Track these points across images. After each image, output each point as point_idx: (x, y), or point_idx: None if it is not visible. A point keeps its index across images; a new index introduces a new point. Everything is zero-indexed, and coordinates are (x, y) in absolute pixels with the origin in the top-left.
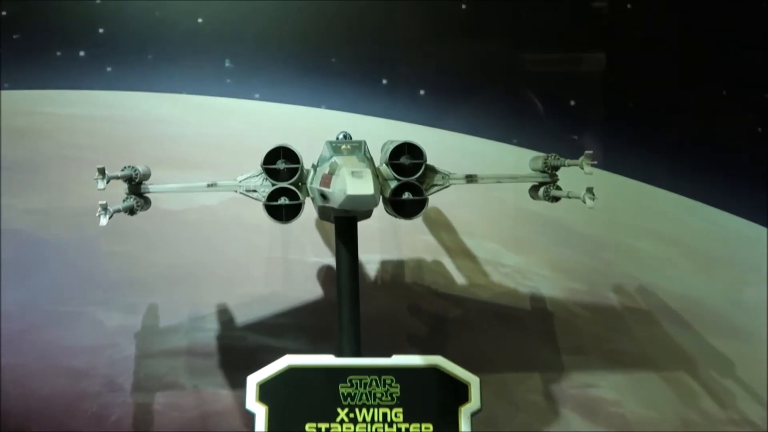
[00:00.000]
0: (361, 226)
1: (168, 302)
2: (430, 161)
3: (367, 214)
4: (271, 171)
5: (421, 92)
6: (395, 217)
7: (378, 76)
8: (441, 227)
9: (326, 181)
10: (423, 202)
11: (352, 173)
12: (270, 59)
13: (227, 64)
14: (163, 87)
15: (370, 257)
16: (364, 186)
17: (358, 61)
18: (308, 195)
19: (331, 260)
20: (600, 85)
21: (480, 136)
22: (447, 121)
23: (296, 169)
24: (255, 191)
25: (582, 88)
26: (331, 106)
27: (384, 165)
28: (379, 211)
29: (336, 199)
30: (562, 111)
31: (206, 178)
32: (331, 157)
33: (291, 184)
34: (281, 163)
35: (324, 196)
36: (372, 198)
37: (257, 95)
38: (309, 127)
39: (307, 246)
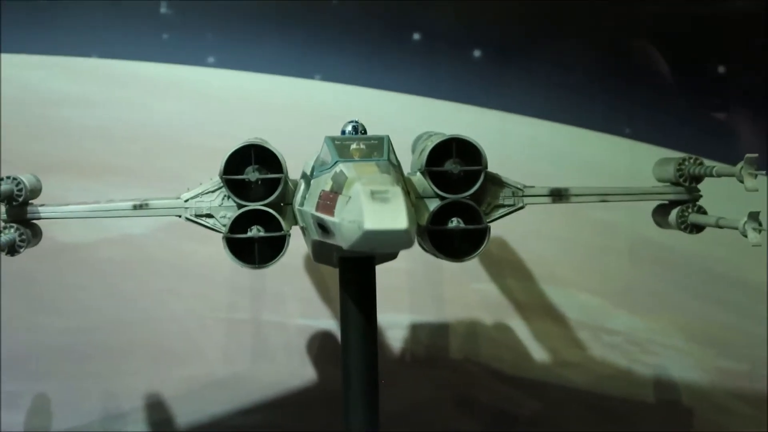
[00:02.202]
0: (381, 270)
1: (68, 391)
2: (492, 166)
3: (390, 255)
4: (237, 184)
5: (476, 53)
6: (436, 256)
7: (406, 28)
8: (508, 270)
9: (328, 204)
10: (481, 234)
11: (372, 194)
12: (231, 3)
13: (163, 10)
14: (56, 46)
15: (395, 319)
16: (393, 216)
17: (374, 4)
18: (296, 223)
19: (331, 324)
20: None
21: (566, 123)
22: (513, 98)
23: (276, 182)
24: (210, 216)
25: (741, 46)
26: (330, 77)
27: (418, 173)
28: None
29: (345, 236)
30: (707, 82)
31: (131, 193)
32: (335, 163)
33: (268, 205)
34: (252, 171)
35: (324, 228)
36: (405, 235)
37: (212, 59)
38: (296, 109)
39: (291, 301)
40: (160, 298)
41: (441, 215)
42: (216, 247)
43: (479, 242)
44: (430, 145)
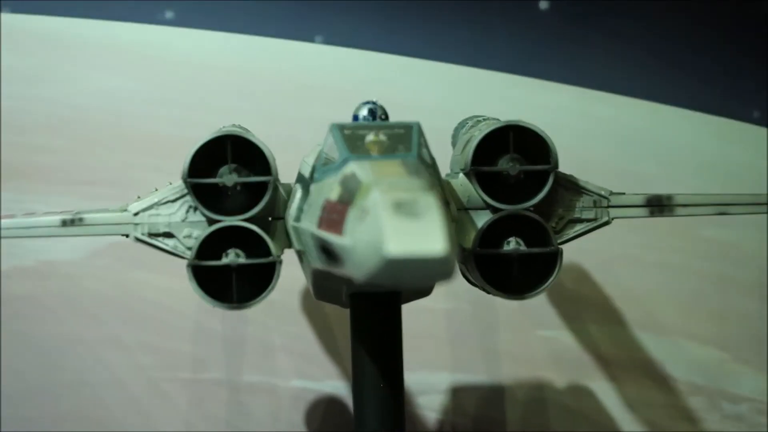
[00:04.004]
0: (409, 312)
1: None
2: (565, 165)
3: (422, 291)
4: (207, 191)
5: (543, 3)
6: (486, 291)
7: None
8: (588, 311)
9: (334, 218)
10: (550, 261)
11: (396, 206)
12: None
13: None
14: None
15: (429, 380)
16: (426, 237)
17: None
18: (289, 246)
19: (339, 387)
20: None
21: (671, 103)
22: (595, 70)
23: (261, 188)
24: (169, 235)
25: None
26: (335, 39)
27: (461, 175)
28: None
29: (359, 264)
30: None
31: (54, 203)
32: (345, 161)
33: (250, 219)
34: (228, 173)
35: (329, 253)
36: (443, 263)
37: (170, 14)
38: (289, 85)
39: (282, 355)
40: (95, 351)
41: (493, 234)
42: (178, 279)
43: (547, 272)
44: (478, 135)
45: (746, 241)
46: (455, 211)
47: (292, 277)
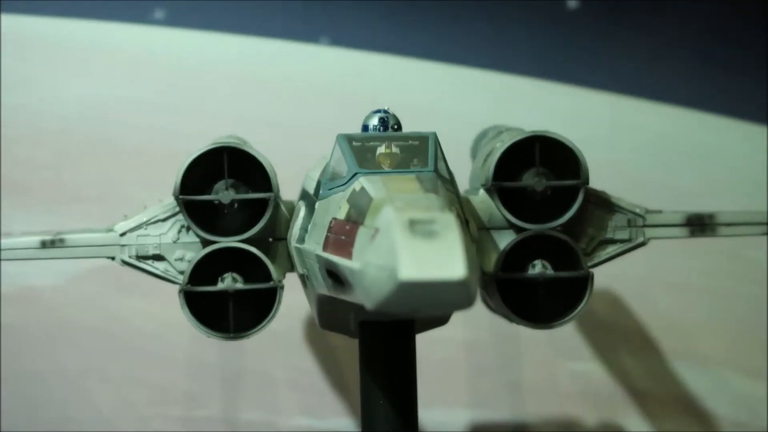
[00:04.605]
0: (424, 342)
1: None
2: (597, 180)
3: (439, 320)
4: (201, 209)
5: (571, 4)
6: (509, 319)
7: None
8: (622, 341)
9: (342, 240)
10: (580, 286)
11: (411, 225)
12: None
13: None
14: None
15: (446, 418)
16: (443, 259)
17: None
18: (292, 269)
19: (347, 425)
20: None
21: (714, 111)
22: (629, 73)
23: (261, 206)
24: (159, 258)
25: None
26: (343, 40)
27: (482, 191)
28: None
29: (370, 290)
30: None
31: (33, 222)
32: (354, 176)
33: (249, 241)
34: (224, 189)
35: (336, 278)
36: (462, 288)
37: (159, 14)
38: (292, 90)
39: (285, 390)
40: (79, 384)
41: (517, 256)
42: (169, 306)
43: (577, 298)
44: (501, 147)
45: None
46: (475, 231)
47: (295, 303)
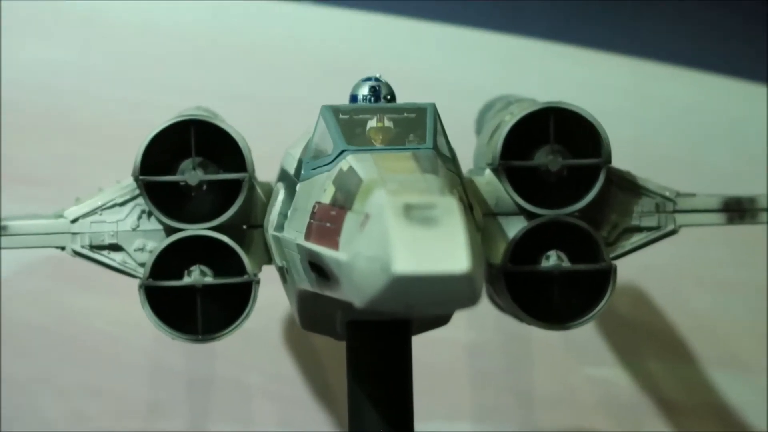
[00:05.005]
0: (421, 344)
1: None
2: (620, 158)
3: (438, 319)
4: (164, 192)
5: None
6: (519, 318)
7: None
8: (649, 344)
9: (327, 227)
10: (601, 280)
11: (407, 210)
12: None
13: None
14: None
15: (446, 430)
16: (444, 250)
17: None
18: (269, 261)
19: None
20: None
21: (752, 78)
22: (649, 36)
23: (233, 188)
24: (117, 248)
25: None
26: None
27: (488, 171)
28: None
29: (360, 285)
30: None
31: None
32: (341, 153)
33: (219, 228)
34: (191, 169)
35: (320, 270)
36: (465, 283)
37: None
38: (268, 53)
39: (260, 399)
40: (25, 393)
41: (529, 246)
42: (128, 303)
43: (597, 295)
44: (510, 120)
45: None
46: (480, 217)
47: (272, 300)
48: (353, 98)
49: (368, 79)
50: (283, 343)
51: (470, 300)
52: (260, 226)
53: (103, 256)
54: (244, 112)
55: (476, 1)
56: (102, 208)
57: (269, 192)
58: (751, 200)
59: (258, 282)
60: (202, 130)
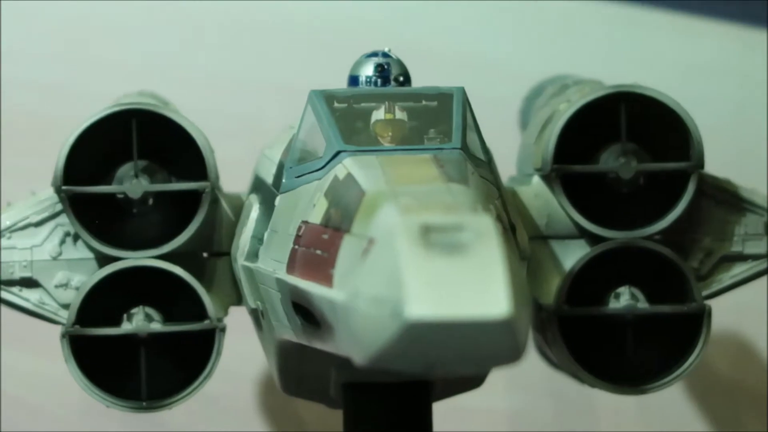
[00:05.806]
0: (446, 412)
1: None
2: (714, 161)
3: (469, 380)
4: (96, 206)
5: None
6: (579, 379)
7: None
8: (751, 408)
9: (318, 256)
10: (691, 325)
11: (424, 233)
12: None
13: None
14: None
15: None
16: (476, 286)
17: None
18: (238, 302)
19: None
20: None
21: None
22: None
23: (192, 202)
24: (32, 283)
25: None
26: None
27: (535, 178)
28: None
29: (361, 333)
30: None
31: None
32: (336, 155)
33: (169, 256)
34: (133, 177)
35: (307, 314)
36: (507, 332)
37: None
38: (247, 26)
39: None
40: None
41: (592, 280)
42: (49, 359)
43: (685, 346)
44: (567, 110)
45: None
46: (526, 241)
47: (244, 354)
48: (353, 80)
49: (373, 54)
50: (258, 412)
51: (512, 354)
52: (227, 253)
53: (13, 295)
54: (207, 99)
55: None
56: (11, 230)
57: (239, 207)
58: None
59: (223, 329)
60: (147, 123)
